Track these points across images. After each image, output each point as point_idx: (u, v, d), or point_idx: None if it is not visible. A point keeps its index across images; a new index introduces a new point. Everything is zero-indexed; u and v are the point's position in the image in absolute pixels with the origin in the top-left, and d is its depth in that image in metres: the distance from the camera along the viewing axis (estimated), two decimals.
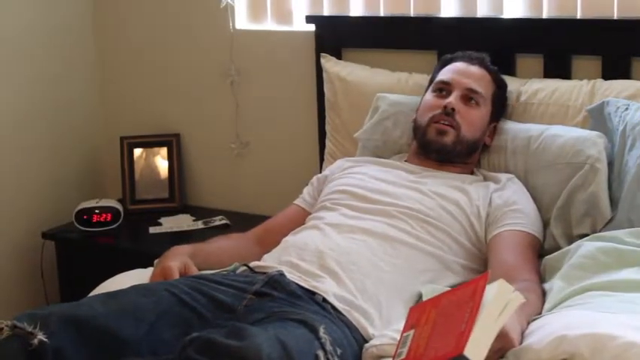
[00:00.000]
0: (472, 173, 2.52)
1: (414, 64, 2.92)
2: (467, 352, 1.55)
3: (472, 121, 2.46)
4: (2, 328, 1.78)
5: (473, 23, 2.90)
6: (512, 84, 2.67)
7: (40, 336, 1.74)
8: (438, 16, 2.96)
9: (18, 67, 3.39)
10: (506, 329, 1.71)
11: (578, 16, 2.75)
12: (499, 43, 2.81)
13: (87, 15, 3.64)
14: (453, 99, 2.46)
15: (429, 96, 2.54)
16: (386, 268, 2.16)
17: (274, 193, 3.31)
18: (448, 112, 2.44)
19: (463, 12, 2.93)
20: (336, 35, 3.11)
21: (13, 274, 3.44)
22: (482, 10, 2.89)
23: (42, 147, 3.51)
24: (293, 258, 2.18)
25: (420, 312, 1.75)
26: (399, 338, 1.77)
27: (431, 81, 2.60)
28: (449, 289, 2.06)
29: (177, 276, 2.20)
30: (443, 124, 2.44)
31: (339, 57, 3.07)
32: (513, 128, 2.55)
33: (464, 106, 2.47)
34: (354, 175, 2.50)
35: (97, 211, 3.35)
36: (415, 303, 2.07)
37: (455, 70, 2.53)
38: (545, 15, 2.80)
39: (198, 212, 3.46)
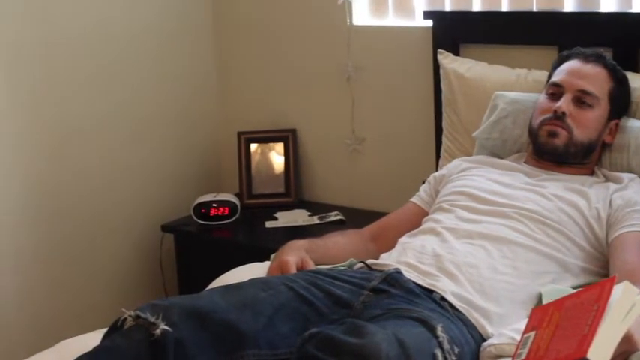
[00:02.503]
0: (592, 173, 2.46)
1: (533, 60, 2.87)
2: (590, 355, 1.52)
3: (585, 123, 2.40)
4: (126, 318, 1.82)
5: (595, 18, 2.83)
6: (637, 81, 2.58)
7: (163, 326, 1.77)
8: (559, 10, 2.90)
9: (140, 66, 3.47)
10: (630, 332, 1.66)
11: None
12: (622, 39, 2.73)
13: (207, 14, 3.71)
14: (563, 102, 2.40)
15: (542, 98, 2.49)
16: (505, 271, 2.13)
17: (390, 190, 3.31)
18: (559, 116, 2.39)
19: (586, 7, 2.86)
20: (453, 31, 3.08)
21: (134, 266, 3.53)
22: (610, 5, 2.82)
23: (162, 143, 3.59)
24: (411, 259, 2.17)
25: (542, 314, 1.72)
26: (518, 338, 1.76)
27: (548, 78, 2.56)
28: (570, 288, 2.03)
29: (294, 270, 2.23)
30: (554, 125, 2.40)
31: (456, 53, 3.03)
32: (637, 126, 2.48)
33: (576, 108, 2.41)
34: (472, 177, 2.47)
35: (214, 205, 3.40)
36: (535, 304, 2.04)
37: (568, 71, 2.47)
38: None
39: (313, 207, 3.48)
